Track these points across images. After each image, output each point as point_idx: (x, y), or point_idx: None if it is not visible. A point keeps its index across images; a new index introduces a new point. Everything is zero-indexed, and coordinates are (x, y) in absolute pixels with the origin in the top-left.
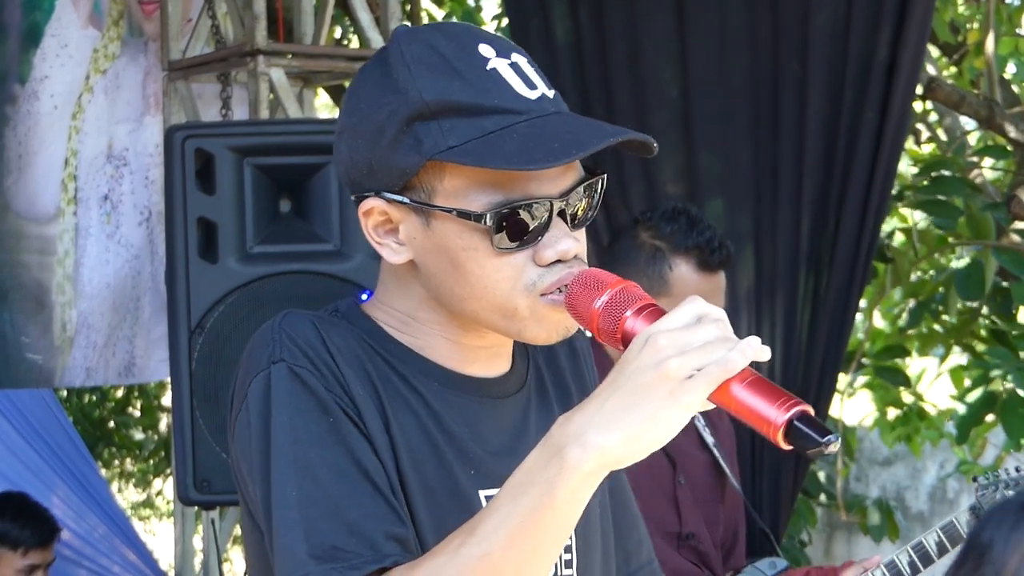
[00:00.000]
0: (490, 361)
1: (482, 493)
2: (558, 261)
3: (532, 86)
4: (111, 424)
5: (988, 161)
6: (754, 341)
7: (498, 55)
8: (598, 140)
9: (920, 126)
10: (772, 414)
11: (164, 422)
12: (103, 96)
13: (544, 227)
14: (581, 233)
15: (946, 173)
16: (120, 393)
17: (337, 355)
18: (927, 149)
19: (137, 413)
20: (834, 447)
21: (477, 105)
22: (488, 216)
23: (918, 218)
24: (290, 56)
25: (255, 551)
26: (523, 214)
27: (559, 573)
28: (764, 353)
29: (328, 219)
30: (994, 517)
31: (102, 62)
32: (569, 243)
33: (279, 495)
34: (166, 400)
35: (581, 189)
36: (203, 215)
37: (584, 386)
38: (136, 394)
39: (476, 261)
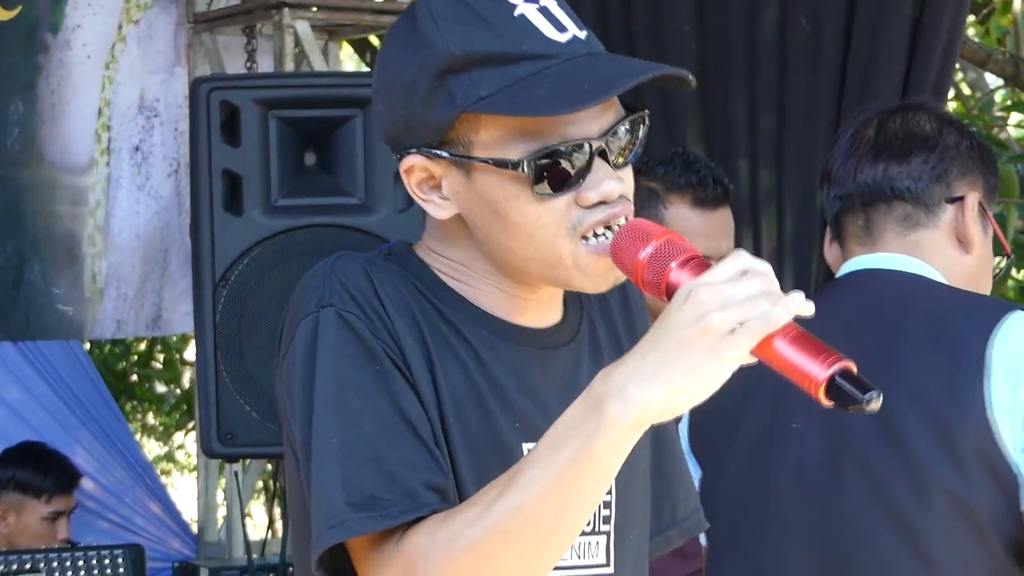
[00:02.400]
0: (540, 312)
1: (526, 446)
2: (602, 202)
3: (562, 28)
4: (134, 377)
5: (1014, 118)
6: (798, 296)
7: (526, 0)
8: (628, 78)
9: None
10: (814, 370)
11: (186, 376)
12: (136, 46)
13: (585, 169)
14: (627, 172)
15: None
16: (143, 346)
17: (387, 301)
18: (952, 107)
19: (159, 366)
20: (876, 404)
21: (506, 54)
22: (525, 163)
23: None
24: (315, 9)
25: (295, 490)
26: (562, 158)
27: (597, 527)
28: (808, 308)
29: (353, 172)
30: None
31: (135, 12)
32: (612, 183)
33: (320, 441)
34: (188, 354)
35: (622, 128)
36: (228, 167)
37: (636, 339)
38: (159, 347)
39: (519, 209)
